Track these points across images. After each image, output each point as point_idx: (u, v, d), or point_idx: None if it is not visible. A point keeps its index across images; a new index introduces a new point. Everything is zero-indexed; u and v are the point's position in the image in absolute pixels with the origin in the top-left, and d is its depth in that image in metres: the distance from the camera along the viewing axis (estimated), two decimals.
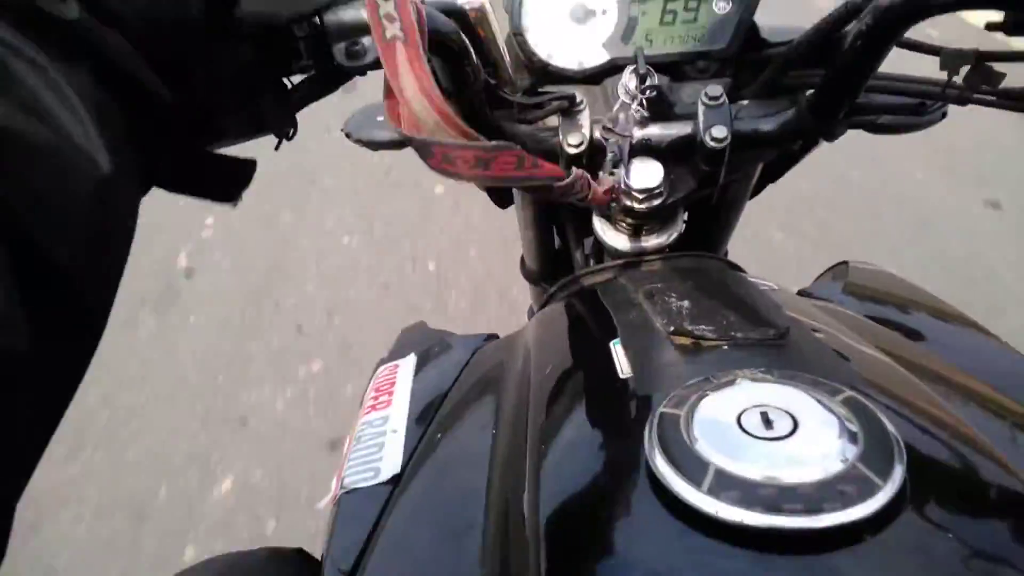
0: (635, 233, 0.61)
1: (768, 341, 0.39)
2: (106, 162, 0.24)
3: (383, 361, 0.66)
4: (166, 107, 0.30)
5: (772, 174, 0.72)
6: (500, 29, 0.57)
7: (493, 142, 0.36)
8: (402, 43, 0.35)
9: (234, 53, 0.34)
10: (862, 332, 0.50)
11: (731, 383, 0.33)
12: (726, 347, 0.39)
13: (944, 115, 0.57)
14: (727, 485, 0.28)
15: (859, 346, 0.43)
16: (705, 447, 0.29)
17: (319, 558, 0.47)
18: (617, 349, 0.42)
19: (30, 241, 0.22)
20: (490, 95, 0.53)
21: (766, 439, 0.29)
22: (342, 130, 0.72)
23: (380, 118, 0.69)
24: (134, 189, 0.28)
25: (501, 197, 0.82)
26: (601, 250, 0.67)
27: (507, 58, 0.56)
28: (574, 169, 0.42)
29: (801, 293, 0.64)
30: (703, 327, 0.41)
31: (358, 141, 0.70)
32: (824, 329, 0.45)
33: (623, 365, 0.40)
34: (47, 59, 0.24)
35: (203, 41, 0.32)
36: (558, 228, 0.82)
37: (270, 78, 0.38)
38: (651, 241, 0.61)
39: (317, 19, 0.38)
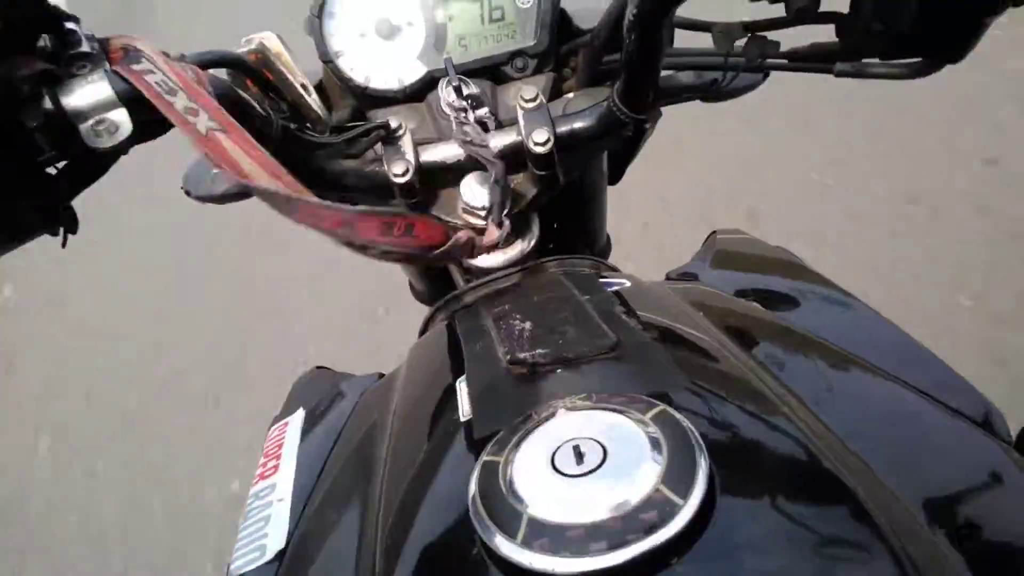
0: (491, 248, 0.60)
1: (599, 356, 0.39)
2: None
3: (275, 420, 0.65)
4: None
5: (623, 158, 0.72)
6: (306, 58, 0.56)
7: (358, 207, 0.36)
8: (223, 133, 0.33)
9: None
10: (716, 314, 0.51)
11: (551, 416, 0.33)
12: (559, 370, 0.39)
13: (766, 76, 0.58)
14: (539, 533, 0.28)
15: (700, 337, 0.44)
16: (520, 494, 0.30)
17: None
18: (461, 387, 0.42)
19: None
20: (296, 139, 0.51)
21: (576, 476, 0.30)
22: (181, 187, 0.69)
23: (216, 170, 0.67)
24: None
25: None
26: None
27: (311, 94, 0.54)
28: (458, 233, 0.41)
29: (669, 276, 0.65)
30: (539, 350, 0.41)
31: (199, 198, 0.67)
32: (667, 326, 0.46)
33: (464, 406, 0.40)
34: None
35: None
36: None
37: (12, 176, 0.35)
38: (509, 253, 0.60)
39: (49, 102, 0.35)
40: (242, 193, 0.67)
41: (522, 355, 0.40)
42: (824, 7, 0.41)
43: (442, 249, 0.42)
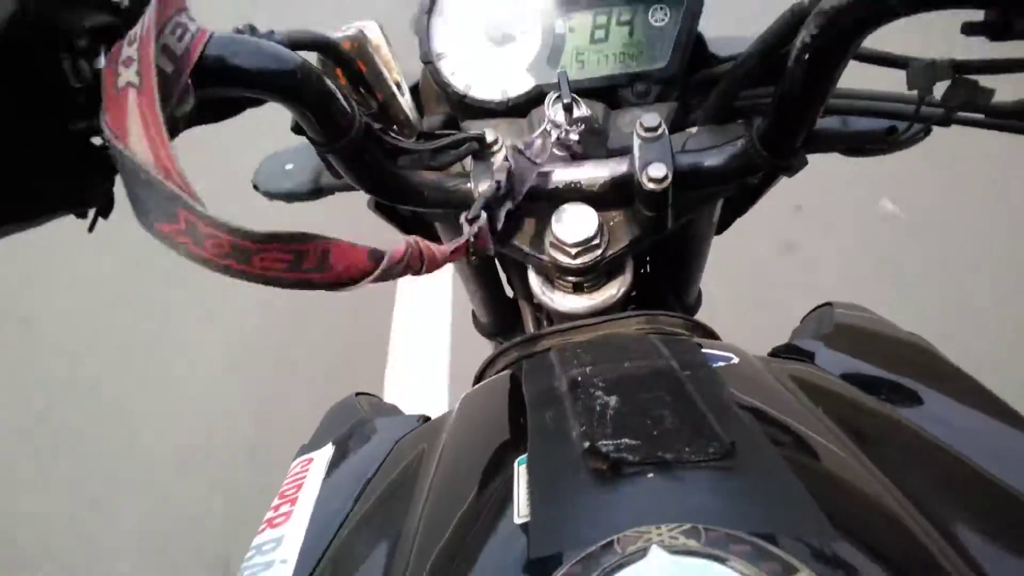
0: (577, 290, 0.51)
1: (706, 463, 0.30)
2: None
3: (302, 450, 0.57)
4: None
5: (737, 207, 0.62)
6: (405, 55, 0.49)
7: (267, 231, 0.25)
8: (136, 90, 0.25)
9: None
10: (841, 413, 0.40)
11: (640, 554, 0.24)
12: (652, 475, 0.29)
13: (928, 132, 0.47)
14: None
15: (829, 448, 0.34)
16: None
17: None
18: (520, 473, 0.32)
19: None
20: (378, 141, 0.44)
21: None
22: (252, 182, 0.64)
23: (289, 166, 0.61)
24: None
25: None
26: None
27: (404, 95, 0.47)
28: (390, 251, 0.31)
29: (776, 351, 0.54)
30: (626, 440, 0.31)
31: (267, 193, 0.62)
32: (783, 424, 0.35)
33: (521, 502, 0.31)
34: None
35: None
36: (508, 277, 0.73)
37: (43, 143, 0.28)
38: (596, 298, 0.51)
39: (103, 61, 0.28)
40: (313, 192, 0.60)
41: (604, 443, 0.31)
42: None
43: (371, 277, 0.31)
